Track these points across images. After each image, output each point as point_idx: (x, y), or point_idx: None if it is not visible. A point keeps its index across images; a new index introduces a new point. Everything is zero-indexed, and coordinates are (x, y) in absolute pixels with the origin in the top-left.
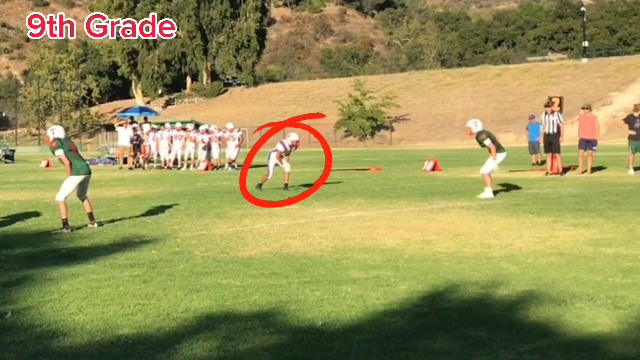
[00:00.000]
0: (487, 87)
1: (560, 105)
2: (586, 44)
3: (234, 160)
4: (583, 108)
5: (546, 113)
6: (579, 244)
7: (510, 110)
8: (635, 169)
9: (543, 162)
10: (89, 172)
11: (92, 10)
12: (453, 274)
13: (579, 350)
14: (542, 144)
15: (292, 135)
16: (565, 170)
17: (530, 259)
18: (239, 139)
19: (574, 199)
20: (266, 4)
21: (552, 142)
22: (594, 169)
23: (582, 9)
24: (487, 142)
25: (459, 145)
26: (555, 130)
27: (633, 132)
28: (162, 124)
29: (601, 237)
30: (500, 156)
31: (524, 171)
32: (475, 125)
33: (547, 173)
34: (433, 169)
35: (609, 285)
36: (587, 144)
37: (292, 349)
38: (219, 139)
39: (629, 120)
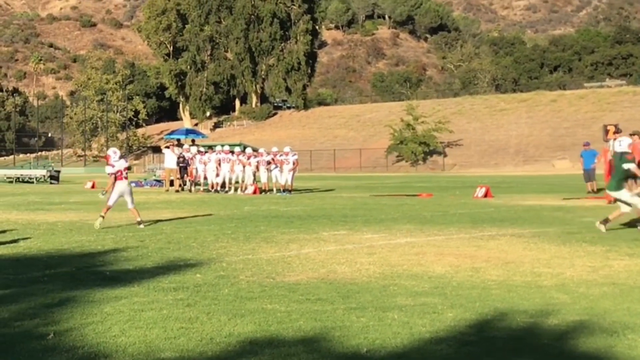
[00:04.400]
0: (542, 113)
1: (617, 132)
2: None
3: (290, 186)
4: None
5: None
6: (634, 274)
7: (566, 137)
8: None
9: (599, 190)
10: None
11: (139, 32)
12: (502, 302)
13: None
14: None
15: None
16: None
17: (582, 288)
18: (293, 163)
19: (630, 228)
20: (317, 27)
21: None
22: None
23: None
24: None
25: (512, 171)
26: None
27: None
28: (210, 147)
29: None
30: None
31: (578, 199)
32: None
33: (610, 202)
34: (485, 195)
35: None
36: None
37: None
38: (268, 163)
39: None
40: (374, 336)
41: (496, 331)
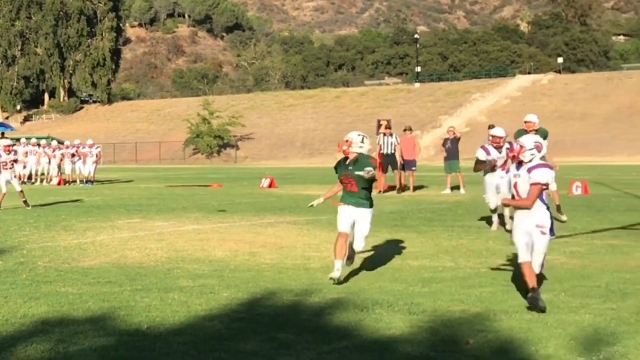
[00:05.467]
0: (327, 108)
1: (388, 127)
2: (419, 69)
3: (93, 177)
4: (404, 130)
5: (384, 135)
6: (390, 257)
7: (348, 131)
8: (452, 188)
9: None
10: None
11: None
12: (272, 282)
13: (373, 350)
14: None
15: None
16: (392, 188)
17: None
18: (96, 155)
19: (392, 215)
20: (121, 24)
21: (391, 162)
22: (415, 188)
23: (416, 36)
24: None
25: (299, 164)
26: (393, 151)
27: (445, 154)
28: (18, 140)
29: (410, 251)
30: None
31: None
32: None
33: (380, 192)
34: (270, 186)
35: (409, 294)
36: (407, 164)
37: (118, 350)
38: (72, 155)
39: (444, 143)
40: (155, 314)
41: (264, 309)
